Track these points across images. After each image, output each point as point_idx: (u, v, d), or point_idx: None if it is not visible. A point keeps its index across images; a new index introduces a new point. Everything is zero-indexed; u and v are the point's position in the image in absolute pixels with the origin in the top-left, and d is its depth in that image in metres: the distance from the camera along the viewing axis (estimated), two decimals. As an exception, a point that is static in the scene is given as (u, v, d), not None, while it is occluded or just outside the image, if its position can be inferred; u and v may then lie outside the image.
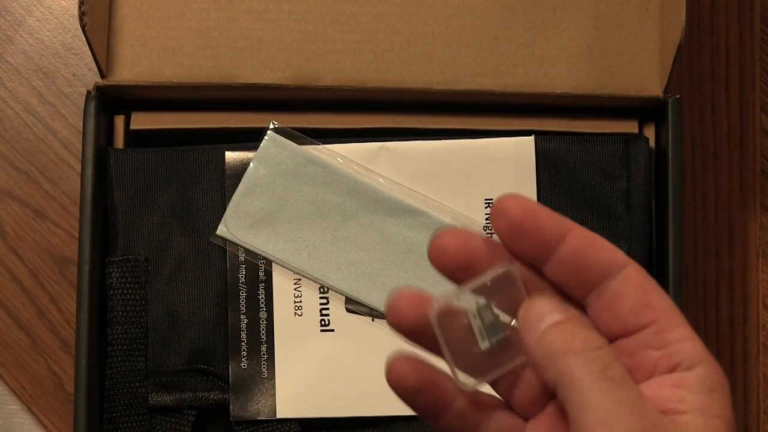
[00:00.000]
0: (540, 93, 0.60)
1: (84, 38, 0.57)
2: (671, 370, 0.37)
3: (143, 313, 0.59)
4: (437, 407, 0.39)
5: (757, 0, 0.70)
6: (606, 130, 0.60)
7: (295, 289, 0.58)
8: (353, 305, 0.58)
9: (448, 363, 0.38)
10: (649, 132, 0.61)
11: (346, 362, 0.58)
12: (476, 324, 0.38)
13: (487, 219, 0.58)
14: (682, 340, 0.37)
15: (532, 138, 0.59)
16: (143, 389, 0.58)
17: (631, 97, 0.60)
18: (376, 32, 0.60)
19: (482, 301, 0.37)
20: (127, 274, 0.59)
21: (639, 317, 0.37)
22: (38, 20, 0.70)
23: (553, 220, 0.37)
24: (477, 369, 0.38)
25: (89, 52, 0.58)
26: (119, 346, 0.58)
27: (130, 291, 0.58)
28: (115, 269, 0.59)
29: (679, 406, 0.36)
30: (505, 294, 0.37)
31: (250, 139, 0.60)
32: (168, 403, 0.58)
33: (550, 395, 0.38)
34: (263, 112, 0.61)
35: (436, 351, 0.38)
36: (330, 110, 0.61)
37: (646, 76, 0.60)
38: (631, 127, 0.61)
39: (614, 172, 0.59)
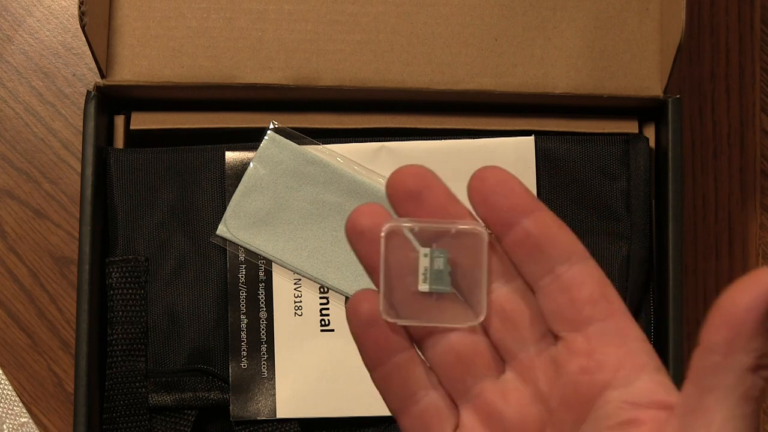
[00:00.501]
0: (540, 93, 0.60)
1: (84, 38, 0.57)
2: (640, 371, 0.35)
3: (143, 313, 0.59)
4: (381, 352, 0.38)
5: (757, 0, 0.70)
6: (606, 130, 0.60)
7: (295, 289, 0.58)
8: None
9: (378, 284, 0.36)
10: (649, 132, 0.61)
11: (346, 362, 0.58)
12: (423, 264, 0.36)
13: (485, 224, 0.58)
14: (640, 339, 0.36)
15: (532, 138, 0.59)
16: (143, 389, 0.58)
17: (631, 97, 0.60)
18: (376, 32, 0.60)
19: (439, 246, 0.36)
20: (127, 274, 0.59)
21: (596, 307, 0.36)
22: (38, 20, 0.70)
23: (527, 193, 0.37)
24: (404, 308, 0.36)
25: (89, 52, 0.58)
26: (119, 346, 0.58)
27: (130, 291, 0.58)
28: (115, 269, 0.59)
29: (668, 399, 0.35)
30: (464, 252, 0.36)
31: (250, 139, 0.60)
32: (168, 403, 0.58)
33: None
34: (263, 112, 0.61)
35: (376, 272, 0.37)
36: (330, 110, 0.61)
37: (646, 76, 0.60)
38: (631, 127, 0.61)
39: (614, 172, 0.59)
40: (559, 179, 0.59)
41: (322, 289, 0.58)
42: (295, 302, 0.58)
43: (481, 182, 0.37)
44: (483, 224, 0.36)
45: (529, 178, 0.58)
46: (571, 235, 0.36)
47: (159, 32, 0.60)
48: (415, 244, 0.36)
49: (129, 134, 0.61)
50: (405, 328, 0.37)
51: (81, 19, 0.56)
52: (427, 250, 0.36)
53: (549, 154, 0.59)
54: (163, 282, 0.59)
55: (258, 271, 0.58)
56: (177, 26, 0.61)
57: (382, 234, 0.36)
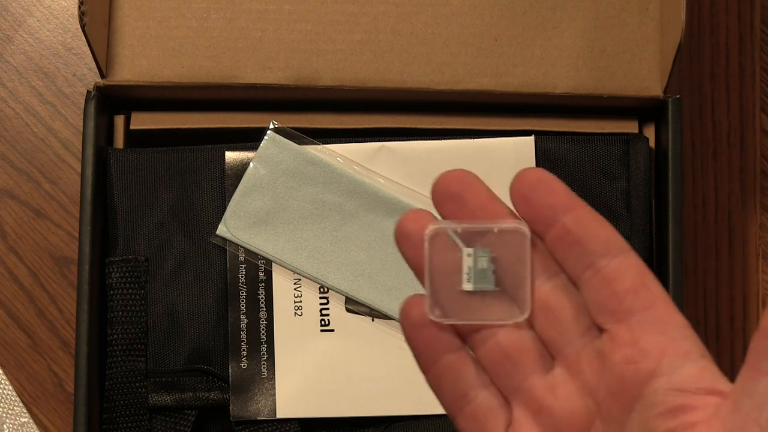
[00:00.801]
0: (540, 93, 0.60)
1: (84, 38, 0.57)
2: (684, 356, 0.36)
3: (143, 313, 0.59)
4: (432, 353, 0.38)
5: (757, 0, 0.70)
6: (606, 130, 0.60)
7: (295, 289, 0.58)
8: (353, 305, 0.58)
9: (424, 286, 0.37)
10: (649, 132, 0.61)
11: (346, 362, 0.58)
12: (467, 263, 0.37)
13: None
14: (683, 326, 0.36)
15: (532, 138, 0.59)
16: (143, 389, 0.58)
17: (631, 97, 0.60)
18: (376, 32, 0.60)
19: (482, 246, 0.37)
20: (127, 274, 0.59)
21: (637, 297, 0.36)
22: (38, 20, 0.70)
23: (566, 191, 0.37)
24: (450, 307, 0.37)
25: (89, 52, 0.58)
26: (119, 346, 0.58)
27: (130, 291, 0.58)
28: (115, 269, 0.59)
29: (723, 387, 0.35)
30: (507, 251, 0.37)
31: (250, 139, 0.60)
32: (168, 403, 0.58)
33: None
34: (263, 112, 0.61)
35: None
36: (330, 110, 0.61)
37: (646, 76, 0.60)
38: (631, 127, 0.61)
39: (614, 172, 0.59)
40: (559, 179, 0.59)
41: (322, 289, 0.58)
42: (295, 302, 0.58)
43: (522, 183, 0.37)
44: (524, 223, 0.37)
45: None
46: (610, 228, 0.37)
47: (159, 32, 0.60)
48: (459, 244, 0.37)
49: (129, 134, 0.61)
50: (453, 328, 0.38)
51: (81, 19, 0.56)
52: (470, 249, 0.37)
53: (549, 154, 0.59)
54: (163, 282, 0.59)
55: (258, 271, 0.58)
56: (177, 26, 0.61)
57: (426, 236, 0.37)
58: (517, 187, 0.37)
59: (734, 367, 0.67)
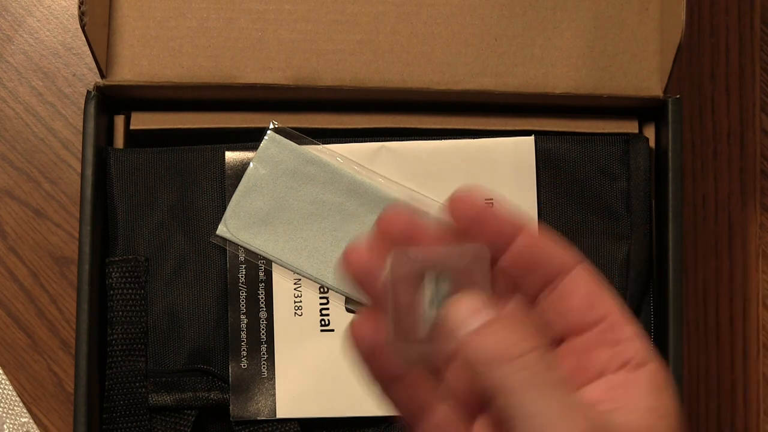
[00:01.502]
0: (540, 93, 0.60)
1: (84, 38, 0.57)
2: (620, 368, 0.37)
3: (143, 313, 0.59)
4: (388, 376, 0.38)
5: (757, 0, 0.70)
6: (606, 130, 0.60)
7: (295, 289, 0.58)
8: (353, 305, 0.58)
9: (388, 315, 0.36)
10: (649, 132, 0.61)
11: (346, 362, 0.58)
12: (429, 288, 0.36)
13: None
14: (631, 338, 0.37)
15: (532, 138, 0.59)
16: (143, 389, 0.58)
17: (631, 97, 0.60)
18: (376, 32, 0.60)
19: (444, 269, 0.36)
20: (127, 274, 0.59)
21: (588, 313, 0.37)
22: (38, 20, 0.70)
23: (509, 215, 0.37)
24: (413, 337, 0.36)
25: (89, 52, 0.58)
26: (119, 346, 0.58)
27: (130, 291, 0.58)
28: (115, 269, 0.59)
29: (626, 405, 0.36)
30: (468, 273, 0.36)
31: (250, 139, 0.60)
32: (168, 403, 0.58)
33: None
34: (263, 112, 0.61)
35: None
36: (330, 110, 0.61)
37: (646, 76, 0.60)
38: (631, 127, 0.61)
39: (614, 172, 0.59)
40: (559, 179, 0.59)
41: (322, 289, 0.58)
42: (295, 302, 0.58)
43: (462, 206, 0.37)
44: (482, 244, 0.37)
45: (529, 177, 0.58)
46: (560, 246, 0.37)
47: (159, 32, 0.60)
48: (420, 269, 0.36)
49: (129, 134, 0.61)
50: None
51: (81, 19, 0.56)
52: (432, 273, 0.36)
53: (549, 154, 0.59)
54: (163, 282, 0.59)
55: (258, 271, 0.58)
56: (177, 26, 0.61)
57: (388, 264, 0.36)
58: (456, 214, 0.37)
59: (734, 367, 0.67)
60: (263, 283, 0.58)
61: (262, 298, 0.58)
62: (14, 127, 0.69)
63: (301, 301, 0.58)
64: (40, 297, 0.67)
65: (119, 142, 0.61)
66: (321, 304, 0.58)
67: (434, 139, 0.59)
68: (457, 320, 0.35)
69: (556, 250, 0.37)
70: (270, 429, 0.58)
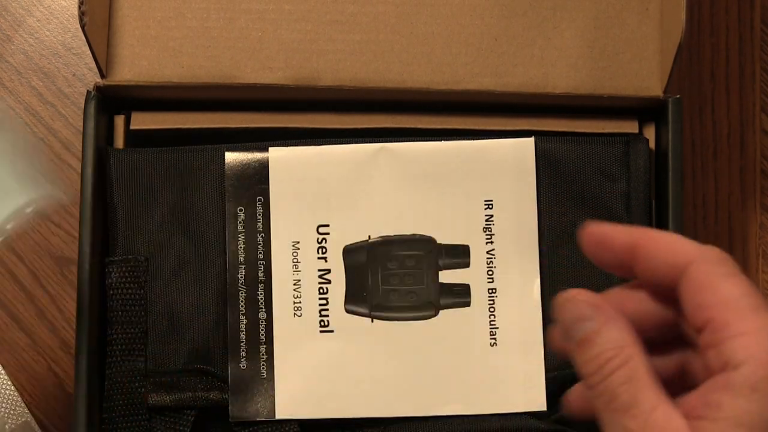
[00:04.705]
0: (540, 93, 0.60)
1: (84, 38, 0.57)
2: (722, 369, 0.35)
3: (143, 313, 0.59)
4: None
5: (757, 0, 0.70)
6: (606, 131, 0.60)
7: (294, 290, 0.58)
8: (352, 306, 0.58)
9: None
10: (649, 132, 0.61)
11: (345, 363, 0.58)
12: None
13: (485, 219, 0.58)
14: (734, 335, 0.35)
15: (532, 139, 0.59)
16: (142, 389, 0.58)
17: (631, 97, 0.60)
18: (376, 32, 0.60)
19: None
20: (126, 274, 0.59)
21: (697, 318, 0.36)
22: (38, 20, 0.70)
23: (619, 232, 0.39)
24: None
25: (89, 52, 0.58)
26: (118, 346, 0.58)
27: (129, 291, 0.58)
28: (115, 269, 0.59)
29: (712, 413, 0.35)
30: None
31: (250, 138, 0.60)
32: (167, 403, 0.58)
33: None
34: (263, 112, 0.61)
35: None
36: (330, 110, 0.61)
37: (646, 76, 0.60)
38: (631, 127, 0.61)
39: (614, 173, 0.59)
40: (559, 180, 0.59)
41: (321, 290, 0.58)
42: (294, 303, 0.58)
43: (585, 242, 0.41)
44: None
45: (529, 179, 0.58)
46: (665, 245, 0.39)
47: (159, 32, 0.60)
48: None
49: (129, 134, 0.61)
50: None
51: (81, 19, 0.56)
52: None
53: (549, 155, 0.59)
54: (162, 282, 0.59)
55: (257, 272, 0.58)
56: (177, 26, 0.61)
57: None
58: (587, 249, 0.40)
59: (734, 367, 0.67)
60: (262, 284, 0.58)
61: (261, 298, 0.58)
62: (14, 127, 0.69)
63: (300, 302, 0.58)
64: (40, 297, 0.67)
65: (119, 142, 0.61)
66: (320, 304, 0.58)
67: (434, 140, 0.59)
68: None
69: (660, 254, 0.38)
70: (270, 430, 0.58)
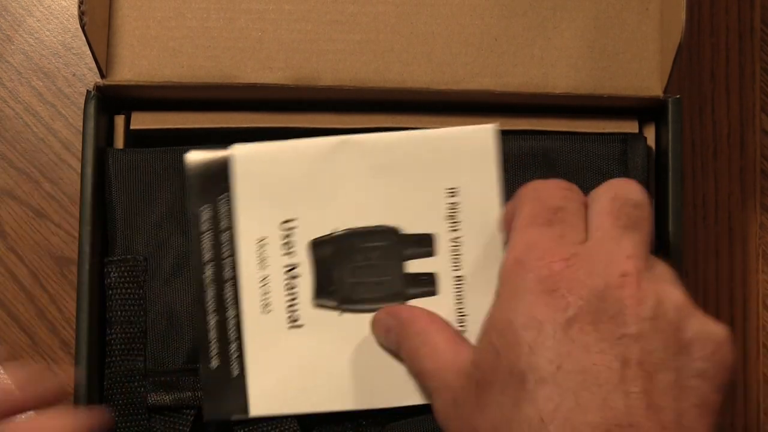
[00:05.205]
0: (540, 93, 0.60)
1: (84, 38, 0.57)
2: None
3: (142, 313, 0.58)
4: None
5: (757, 0, 0.70)
6: (606, 130, 0.60)
7: (261, 287, 0.58)
8: (321, 300, 0.58)
9: None
10: (649, 132, 0.61)
11: (316, 357, 0.58)
12: None
13: (448, 208, 0.57)
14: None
15: (491, 126, 0.57)
16: (142, 389, 0.58)
17: (631, 97, 0.60)
18: (376, 32, 0.61)
19: None
20: (125, 274, 0.58)
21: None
22: (38, 20, 0.70)
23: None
24: None
25: (89, 52, 0.58)
26: (118, 346, 0.58)
27: (128, 291, 0.58)
28: (114, 269, 0.59)
29: None
30: None
31: (251, 138, 0.59)
32: (167, 402, 0.58)
33: None
34: (263, 112, 0.61)
35: None
36: (330, 110, 0.61)
37: (646, 76, 0.60)
38: (631, 127, 0.61)
39: (612, 172, 0.59)
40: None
41: (289, 285, 0.58)
42: (262, 299, 0.58)
43: None
44: None
45: (490, 165, 0.57)
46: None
47: (159, 32, 0.60)
48: None
49: (129, 134, 0.61)
50: None
51: (81, 19, 0.56)
52: None
53: (548, 154, 0.59)
54: (161, 281, 0.59)
55: (224, 270, 0.58)
56: (177, 26, 0.61)
57: None
58: None
59: (734, 367, 0.67)
60: (230, 282, 0.58)
61: (229, 297, 0.58)
62: (14, 127, 0.69)
63: (269, 299, 0.58)
64: (40, 297, 0.67)
65: (119, 142, 0.61)
66: (289, 300, 0.58)
67: (396, 130, 0.58)
68: None
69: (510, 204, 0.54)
70: (269, 428, 0.58)
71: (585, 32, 0.61)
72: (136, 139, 0.61)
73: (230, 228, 0.58)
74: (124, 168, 0.59)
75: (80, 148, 0.59)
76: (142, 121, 0.61)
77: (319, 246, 0.58)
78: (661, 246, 0.58)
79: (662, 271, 0.46)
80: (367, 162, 0.58)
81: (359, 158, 0.58)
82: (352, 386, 0.57)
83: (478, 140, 0.57)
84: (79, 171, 0.59)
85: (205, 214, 0.58)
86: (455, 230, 0.57)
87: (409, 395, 0.57)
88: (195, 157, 0.58)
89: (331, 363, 0.58)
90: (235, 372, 0.57)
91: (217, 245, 0.58)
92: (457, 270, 0.57)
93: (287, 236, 0.58)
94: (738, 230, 0.68)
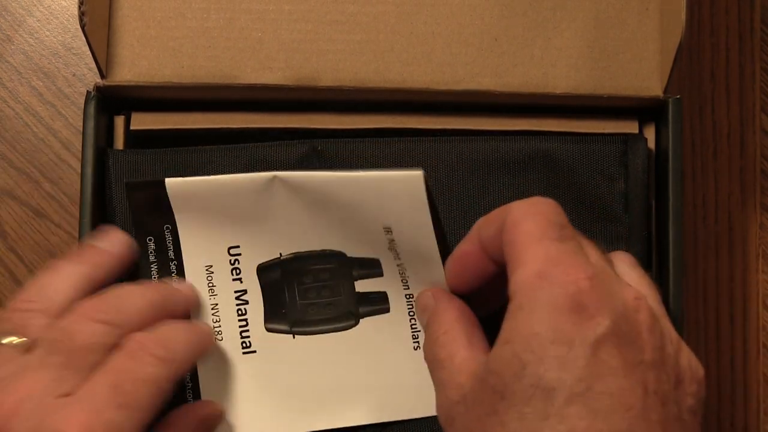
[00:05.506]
0: (540, 93, 0.60)
1: (84, 38, 0.57)
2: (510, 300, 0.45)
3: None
4: None
5: (757, 0, 0.70)
6: (606, 131, 0.60)
7: (213, 314, 0.57)
8: (272, 324, 0.57)
9: None
10: (649, 132, 0.61)
11: (271, 382, 0.57)
12: None
13: (389, 242, 0.54)
14: (515, 268, 0.45)
15: (420, 173, 0.52)
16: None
17: (631, 97, 0.60)
18: (376, 32, 0.61)
19: None
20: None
21: (506, 258, 0.46)
22: (38, 20, 0.70)
23: (467, 244, 0.51)
24: None
25: (89, 52, 0.58)
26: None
27: None
28: (114, 269, 0.58)
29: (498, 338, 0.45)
30: None
31: (250, 139, 0.59)
32: None
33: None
34: (263, 112, 0.61)
35: None
36: (330, 110, 0.61)
37: (646, 76, 0.60)
38: (631, 127, 0.61)
39: (612, 172, 0.59)
40: (557, 180, 0.59)
41: (239, 311, 0.57)
42: (214, 327, 0.57)
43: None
44: None
45: (422, 209, 0.53)
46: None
47: (159, 32, 0.60)
48: None
49: (129, 134, 0.61)
50: None
51: (81, 19, 0.56)
52: None
53: (548, 155, 0.59)
54: None
55: None
56: (177, 26, 0.61)
57: None
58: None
59: (734, 367, 0.67)
60: None
61: None
62: (14, 127, 0.69)
63: (220, 326, 0.57)
64: (40, 297, 0.67)
65: (119, 142, 0.61)
66: (240, 326, 0.57)
67: (326, 171, 0.55)
68: None
69: (491, 219, 0.49)
70: None
71: (585, 32, 0.61)
72: (136, 139, 0.61)
73: (177, 257, 0.57)
74: (124, 169, 0.59)
75: (80, 148, 0.59)
76: (142, 121, 0.61)
77: (266, 270, 0.57)
78: (662, 246, 0.59)
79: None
80: (300, 198, 0.55)
81: (292, 194, 0.55)
82: (309, 408, 0.57)
83: (408, 187, 0.53)
84: (79, 171, 0.59)
85: (152, 244, 0.57)
86: (398, 258, 0.55)
87: (365, 414, 0.57)
88: (136, 190, 0.57)
89: (287, 387, 0.57)
90: (190, 400, 0.57)
91: (165, 274, 0.57)
92: (407, 289, 0.56)
93: (234, 262, 0.57)
94: (738, 230, 0.68)
